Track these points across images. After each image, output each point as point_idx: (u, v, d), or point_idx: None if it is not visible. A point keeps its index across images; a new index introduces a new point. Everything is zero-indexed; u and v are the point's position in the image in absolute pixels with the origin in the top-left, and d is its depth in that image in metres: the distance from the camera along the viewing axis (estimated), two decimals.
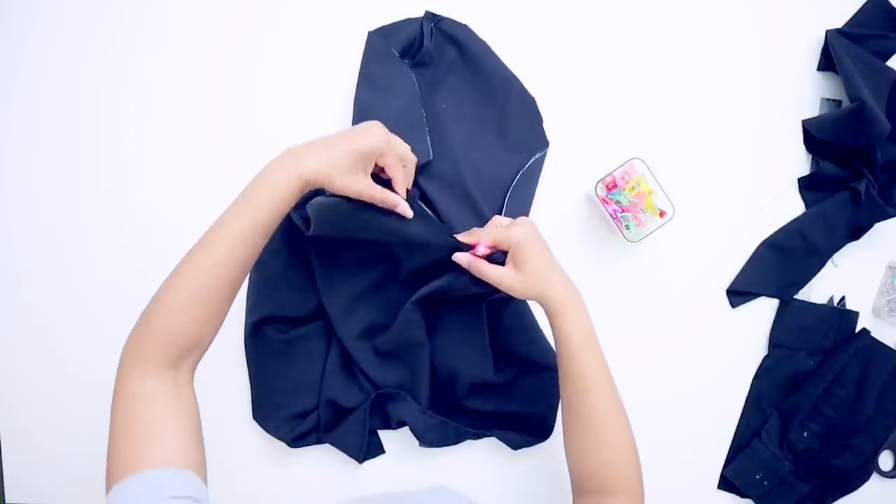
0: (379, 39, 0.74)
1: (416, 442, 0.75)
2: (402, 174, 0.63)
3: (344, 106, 0.75)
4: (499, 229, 0.66)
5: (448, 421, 0.75)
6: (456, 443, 0.76)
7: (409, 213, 0.63)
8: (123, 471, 0.47)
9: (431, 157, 0.71)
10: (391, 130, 0.62)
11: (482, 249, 0.65)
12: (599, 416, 0.62)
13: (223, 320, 0.57)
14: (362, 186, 0.59)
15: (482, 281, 0.66)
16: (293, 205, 0.57)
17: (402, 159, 0.63)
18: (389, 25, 0.75)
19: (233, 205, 0.56)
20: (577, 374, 0.62)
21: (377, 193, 0.61)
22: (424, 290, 0.69)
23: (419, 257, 0.70)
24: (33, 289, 0.78)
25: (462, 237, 0.67)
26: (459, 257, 0.66)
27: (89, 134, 0.77)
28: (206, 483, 0.51)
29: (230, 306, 0.57)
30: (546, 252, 0.65)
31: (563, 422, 0.65)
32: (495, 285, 0.64)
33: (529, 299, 0.64)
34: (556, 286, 0.63)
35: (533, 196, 0.76)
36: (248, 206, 0.55)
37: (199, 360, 0.57)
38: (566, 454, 0.64)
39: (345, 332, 0.73)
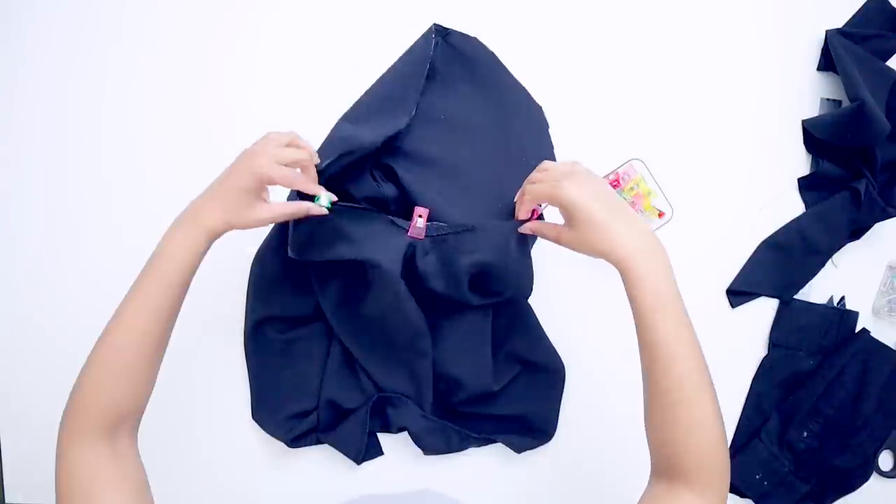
0: (425, 47, 0.74)
1: (415, 443, 0.75)
2: (303, 180, 0.62)
3: (343, 103, 0.76)
4: (544, 187, 0.58)
5: (449, 425, 0.75)
6: (459, 450, 0.76)
7: (323, 211, 0.63)
8: None
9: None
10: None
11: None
12: (677, 388, 0.53)
13: (153, 382, 0.60)
14: (265, 215, 0.60)
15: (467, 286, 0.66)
16: (203, 257, 0.59)
17: (295, 165, 0.61)
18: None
19: (143, 271, 0.58)
20: (648, 341, 0.54)
21: (285, 209, 0.61)
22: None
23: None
24: (33, 288, 0.78)
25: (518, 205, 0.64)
26: (525, 228, 0.63)
27: (89, 133, 0.78)
28: None
29: (158, 367, 0.60)
30: (605, 203, 0.56)
31: (643, 393, 0.57)
32: (555, 243, 0.61)
33: (593, 256, 0.58)
34: (619, 242, 0.55)
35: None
36: (159, 270, 0.58)
37: (136, 424, 0.59)
38: (646, 430, 0.57)
39: (344, 335, 0.73)
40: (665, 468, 0.54)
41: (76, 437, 0.54)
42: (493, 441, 0.76)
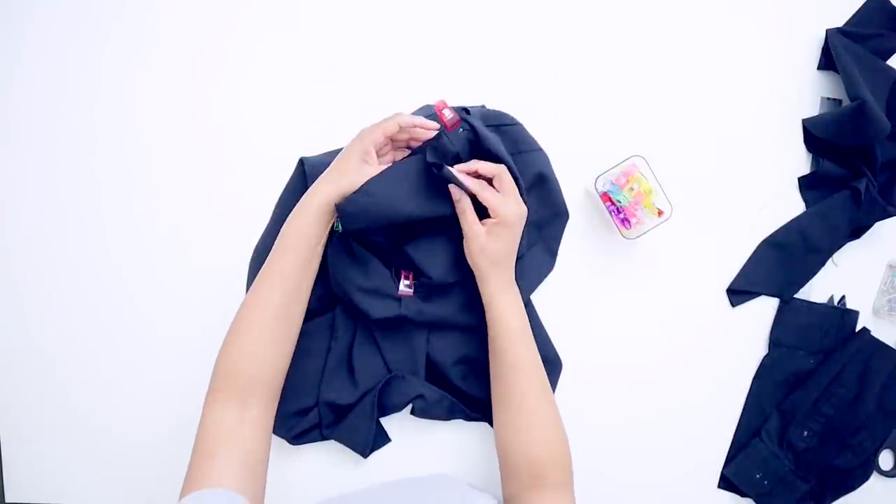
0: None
1: (418, 435, 0.76)
2: (405, 122, 0.65)
3: (341, 107, 0.76)
4: (496, 196, 0.64)
5: (446, 395, 0.75)
6: (448, 418, 0.76)
7: (434, 125, 0.66)
8: (183, 491, 0.55)
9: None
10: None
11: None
12: (531, 398, 0.64)
13: (284, 355, 0.65)
14: (370, 172, 0.64)
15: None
16: (322, 230, 0.64)
17: (393, 125, 0.65)
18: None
19: (274, 248, 0.64)
20: (512, 353, 0.65)
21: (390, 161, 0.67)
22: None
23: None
24: (32, 289, 0.78)
25: (462, 170, 0.66)
26: (455, 191, 0.66)
27: (84, 137, 0.78)
28: None
29: (289, 339, 0.65)
30: (517, 241, 0.67)
31: (493, 406, 0.67)
32: (465, 234, 0.66)
33: (479, 268, 0.66)
34: (506, 272, 0.66)
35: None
36: (284, 246, 0.63)
37: (271, 396, 0.64)
38: (497, 439, 0.66)
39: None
40: (521, 471, 0.63)
41: (211, 397, 0.60)
42: (484, 420, 0.76)
